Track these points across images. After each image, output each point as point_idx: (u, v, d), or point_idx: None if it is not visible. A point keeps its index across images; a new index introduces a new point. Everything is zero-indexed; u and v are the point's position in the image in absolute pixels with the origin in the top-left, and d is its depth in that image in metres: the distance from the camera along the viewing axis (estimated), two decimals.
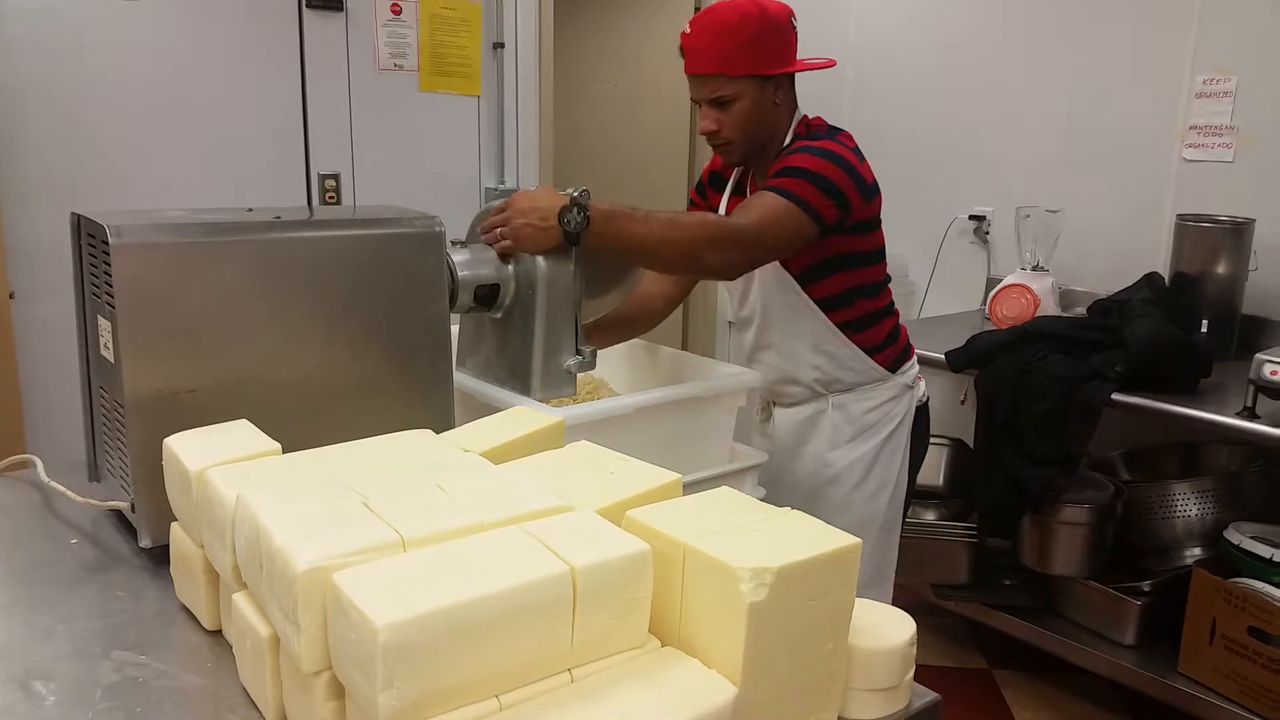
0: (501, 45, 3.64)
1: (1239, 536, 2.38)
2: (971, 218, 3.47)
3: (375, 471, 0.99)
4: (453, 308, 1.46)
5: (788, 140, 1.82)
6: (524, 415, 1.21)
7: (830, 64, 1.85)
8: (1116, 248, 3.11)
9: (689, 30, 1.75)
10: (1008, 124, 3.37)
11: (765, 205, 1.64)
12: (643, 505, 0.95)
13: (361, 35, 3.30)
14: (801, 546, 0.86)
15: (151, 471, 1.13)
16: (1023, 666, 2.84)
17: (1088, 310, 2.78)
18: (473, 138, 3.66)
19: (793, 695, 0.87)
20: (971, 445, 2.69)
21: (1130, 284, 2.82)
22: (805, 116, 1.85)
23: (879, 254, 1.88)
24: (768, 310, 1.89)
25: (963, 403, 2.73)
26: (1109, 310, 2.63)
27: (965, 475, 2.87)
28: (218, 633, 1.04)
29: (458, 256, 1.47)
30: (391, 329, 1.32)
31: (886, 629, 0.95)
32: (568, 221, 1.46)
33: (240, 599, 0.92)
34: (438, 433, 1.16)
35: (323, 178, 3.27)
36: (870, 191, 1.75)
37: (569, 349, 1.53)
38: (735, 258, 1.64)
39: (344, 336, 1.29)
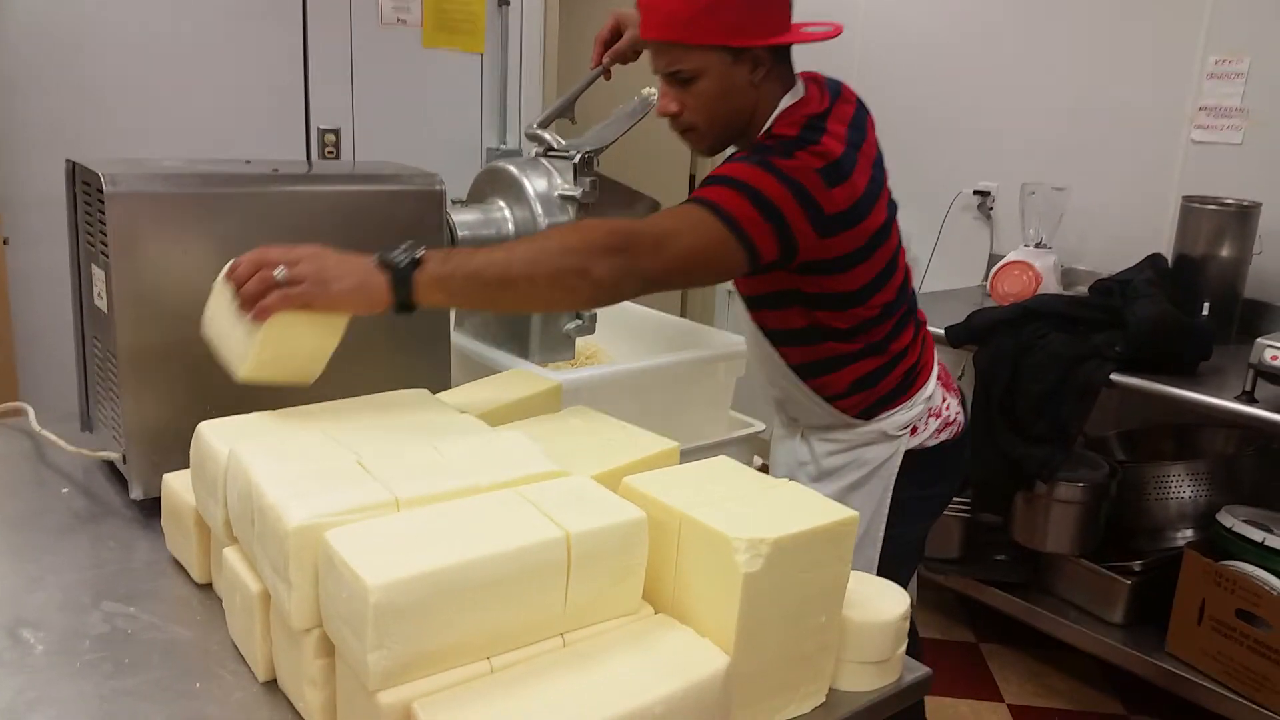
0: (506, 2, 3.59)
1: (1231, 520, 2.38)
2: (975, 193, 3.44)
3: (370, 430, 0.98)
4: None
5: (767, 128, 1.45)
6: (522, 378, 1.20)
7: (834, 33, 1.46)
8: (1120, 228, 3.09)
9: None
10: (1015, 100, 3.33)
11: (680, 213, 1.30)
12: (640, 472, 0.95)
13: None
14: (798, 518, 0.85)
15: (144, 423, 1.13)
16: (1011, 642, 2.85)
17: (1089, 290, 2.76)
18: (475, 96, 3.62)
19: (785, 666, 0.86)
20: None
21: (1133, 265, 2.81)
22: (796, 104, 1.44)
23: (860, 294, 1.46)
24: (742, 320, 1.61)
25: (959, 379, 2.72)
26: (1110, 290, 2.62)
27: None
28: (208, 586, 1.03)
29: (458, 216, 1.46)
30: None
31: (879, 602, 0.95)
32: (394, 257, 1.08)
33: (231, 553, 0.91)
34: (434, 393, 1.15)
35: (322, 132, 3.24)
36: (830, 225, 1.35)
37: (568, 312, 1.51)
38: (635, 268, 1.21)
39: None
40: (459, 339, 1.52)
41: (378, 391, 1.11)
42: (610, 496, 0.86)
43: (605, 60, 1.62)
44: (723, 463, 0.98)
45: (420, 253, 1.09)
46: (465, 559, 0.74)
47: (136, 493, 1.17)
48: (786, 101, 1.44)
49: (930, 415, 1.61)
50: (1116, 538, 2.66)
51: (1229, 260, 2.69)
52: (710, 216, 1.26)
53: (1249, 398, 2.18)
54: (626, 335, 1.88)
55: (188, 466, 1.02)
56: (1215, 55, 2.88)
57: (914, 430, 1.59)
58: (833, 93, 1.49)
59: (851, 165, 1.37)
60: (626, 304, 1.87)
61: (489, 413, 1.10)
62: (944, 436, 1.63)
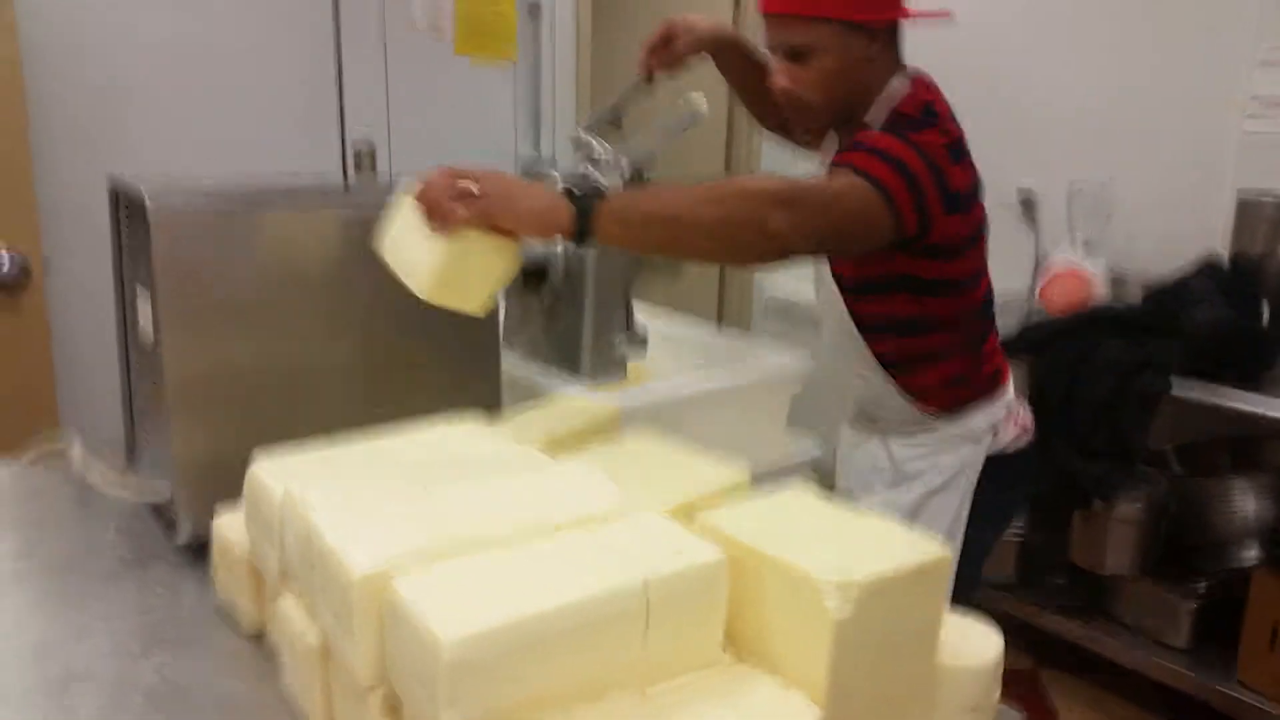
0: (538, 9, 3.56)
1: None
2: (1018, 190, 3.35)
3: (430, 465, 0.93)
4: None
5: (883, 117, 1.45)
6: (578, 405, 1.16)
7: (945, 14, 1.50)
8: (1170, 225, 2.98)
9: None
10: (1057, 94, 3.23)
11: (838, 176, 1.30)
12: (711, 504, 0.90)
13: None
14: (888, 556, 0.79)
15: (192, 460, 1.09)
16: (1071, 667, 2.76)
17: (1144, 297, 2.67)
18: (508, 105, 3.59)
19: (877, 717, 0.81)
20: None
21: (1185, 265, 2.72)
22: (912, 92, 1.46)
23: (966, 284, 1.49)
24: (827, 312, 1.60)
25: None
26: (1167, 295, 2.53)
27: None
28: (260, 636, 0.99)
29: None
30: (436, 309, 1.26)
31: (973, 644, 0.89)
32: (577, 192, 1.10)
33: (288, 603, 0.87)
34: (486, 415, 1.11)
35: (355, 144, 3.21)
36: (954, 203, 1.38)
37: (619, 330, 1.47)
38: (806, 223, 1.22)
39: (388, 314, 1.23)
40: (507, 360, 1.48)
41: (429, 413, 1.07)
42: (686, 536, 0.81)
43: (655, 66, 1.58)
44: (800, 492, 0.93)
45: (599, 192, 1.10)
46: (541, 610, 0.69)
47: (184, 536, 1.13)
48: (896, 84, 1.45)
49: (1009, 418, 1.60)
50: (1177, 556, 2.57)
51: None
52: (865, 183, 1.26)
53: None
54: (670, 352, 1.82)
55: (239, 507, 0.98)
56: (1267, 41, 2.79)
57: (995, 434, 1.58)
58: (930, 83, 1.51)
59: (967, 148, 1.42)
60: (668, 319, 1.84)
61: (548, 443, 1.05)
62: (1022, 442, 1.62)
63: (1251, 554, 2.48)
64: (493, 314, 1.29)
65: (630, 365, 1.50)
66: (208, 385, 1.13)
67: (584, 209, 1.07)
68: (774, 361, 1.63)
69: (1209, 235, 2.84)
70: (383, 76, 3.23)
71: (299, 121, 3.11)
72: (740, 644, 0.81)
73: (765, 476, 1.54)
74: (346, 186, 1.41)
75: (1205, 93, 2.90)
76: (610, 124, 1.67)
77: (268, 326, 1.16)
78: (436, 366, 1.28)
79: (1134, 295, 2.78)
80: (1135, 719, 2.60)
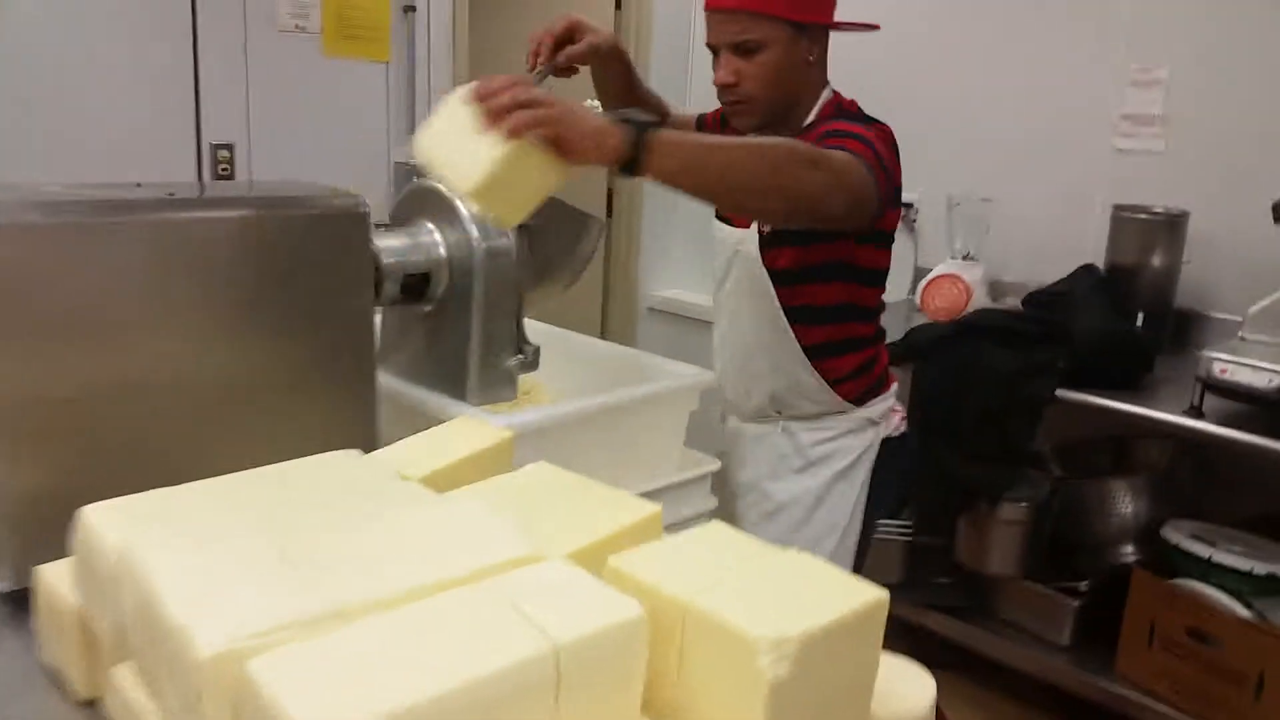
0: (413, 9, 3.40)
1: (1177, 536, 2.35)
2: None
3: (295, 510, 0.81)
4: (379, 300, 1.28)
5: (811, 118, 1.56)
6: (467, 429, 1.04)
7: (875, 27, 1.59)
8: (1047, 238, 3.06)
9: None
10: (936, 109, 3.28)
11: (834, 152, 1.32)
12: (622, 544, 0.80)
13: None
14: (824, 604, 0.71)
15: (14, 497, 0.93)
16: (955, 667, 2.77)
17: (1023, 302, 2.72)
18: (381, 107, 3.41)
19: None
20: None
21: (1063, 275, 2.77)
22: (838, 95, 1.59)
23: (885, 275, 1.65)
24: (738, 306, 1.66)
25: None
26: (1050, 303, 2.57)
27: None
28: (94, 703, 0.84)
29: (381, 241, 1.29)
30: (307, 325, 1.13)
31: (905, 689, 0.82)
32: (633, 114, 1.10)
33: (125, 674, 0.73)
34: (361, 445, 0.99)
35: (215, 149, 2.99)
36: (896, 198, 1.51)
37: (510, 347, 1.36)
38: (832, 185, 1.26)
39: (250, 334, 1.10)
40: (385, 380, 1.35)
41: (295, 447, 0.94)
42: (598, 588, 0.71)
43: (560, 60, 1.52)
44: (716, 531, 0.84)
45: (653, 125, 1.11)
46: (430, 694, 0.58)
47: (3, 583, 0.97)
48: (825, 95, 1.59)
49: (895, 406, 1.75)
50: (1059, 556, 2.61)
51: (1160, 269, 2.68)
52: (859, 162, 1.32)
53: (1197, 412, 2.15)
54: (561, 368, 1.72)
55: (68, 553, 0.84)
56: (1135, 63, 2.88)
57: (888, 419, 1.73)
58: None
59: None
60: (558, 331, 1.74)
61: (435, 475, 0.94)
62: (902, 429, 1.76)
63: (1129, 553, 2.54)
64: (367, 329, 1.17)
65: (521, 383, 1.39)
66: (35, 410, 0.97)
67: (639, 138, 1.08)
68: (669, 372, 1.54)
69: (1083, 246, 2.92)
70: (243, 78, 3.02)
71: (152, 128, 2.87)
72: (660, 707, 0.72)
73: (661, 494, 1.47)
74: (201, 192, 1.25)
75: (1080, 111, 2.98)
76: None
77: (108, 348, 1.01)
78: (304, 390, 1.14)
79: (1013, 303, 2.83)
80: (1020, 716, 2.63)
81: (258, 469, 0.87)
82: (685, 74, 3.85)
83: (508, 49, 4.37)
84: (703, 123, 1.81)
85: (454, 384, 1.34)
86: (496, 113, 1.01)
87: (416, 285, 1.33)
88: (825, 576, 0.77)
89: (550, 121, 1.02)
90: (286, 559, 0.71)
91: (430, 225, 1.36)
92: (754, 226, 1.60)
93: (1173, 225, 2.66)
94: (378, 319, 1.42)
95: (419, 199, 1.38)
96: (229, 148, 3.01)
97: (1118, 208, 2.74)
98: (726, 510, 1.68)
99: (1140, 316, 2.63)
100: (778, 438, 1.70)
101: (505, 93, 1.02)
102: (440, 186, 1.37)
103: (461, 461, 0.97)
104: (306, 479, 0.87)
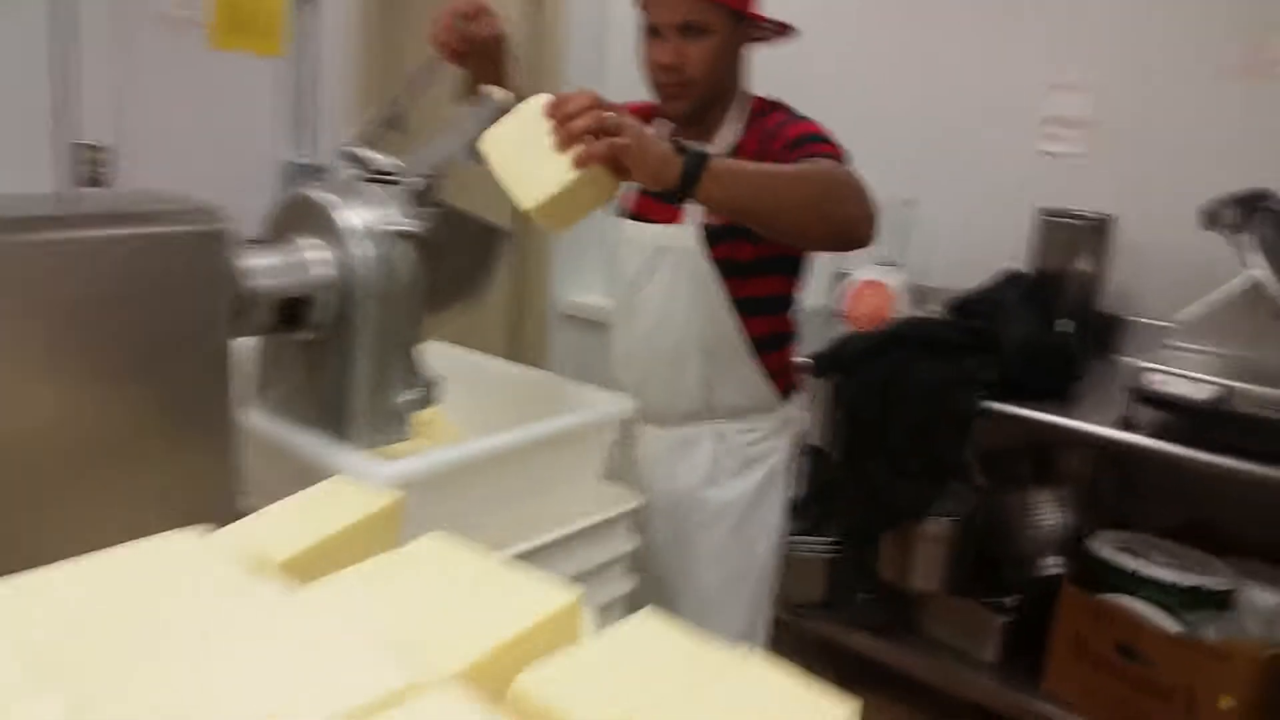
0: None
1: (1104, 548, 2.30)
2: None
3: (97, 638, 0.62)
4: (246, 329, 1.10)
5: (740, 113, 1.59)
6: (345, 494, 0.87)
7: (791, 33, 1.64)
8: (970, 242, 3.00)
9: None
10: (857, 110, 3.18)
11: (841, 168, 1.41)
12: (534, 649, 0.65)
13: None
14: None
15: None
16: (879, 688, 2.69)
17: (949, 309, 2.64)
18: (273, 105, 3.17)
19: None
20: (825, 451, 2.50)
21: (987, 280, 2.71)
22: (757, 95, 1.63)
23: (809, 269, 1.70)
24: (668, 305, 1.61)
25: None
26: (976, 310, 2.50)
27: (823, 486, 2.69)
28: None
29: (256, 260, 1.11)
30: (148, 367, 0.94)
31: (826, 715, 0.67)
32: (691, 150, 1.15)
33: None
34: (218, 512, 0.82)
35: (82, 150, 2.70)
36: None
37: (403, 380, 1.19)
38: (867, 214, 1.34)
39: (76, 379, 0.91)
40: (258, 420, 1.17)
41: (129, 523, 0.76)
42: None
43: (455, 44, 1.44)
44: (649, 628, 0.70)
45: (704, 154, 1.17)
46: None
47: None
48: (748, 90, 1.62)
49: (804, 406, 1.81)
50: (984, 570, 2.55)
51: (1086, 274, 2.64)
52: (861, 178, 1.37)
53: (1128, 423, 2.09)
54: (467, 393, 1.56)
55: None
56: (1059, 65, 2.83)
57: (800, 419, 1.78)
58: None
59: None
60: (462, 353, 1.58)
61: (298, 558, 0.77)
62: (806, 422, 1.87)
63: (1055, 565, 2.49)
64: (222, 370, 0.98)
65: (416, 419, 1.23)
66: None
67: (693, 167, 1.14)
68: (592, 403, 1.39)
69: (1006, 251, 2.85)
70: (117, 70, 2.75)
71: (7, 128, 2.58)
72: None
73: (580, 538, 1.33)
74: (57, 204, 1.06)
75: (1004, 113, 2.92)
76: (390, 127, 1.40)
77: None
78: (144, 447, 0.95)
79: (936, 310, 2.75)
80: None
81: (59, 564, 0.69)
82: (600, 60, 3.71)
83: (412, 45, 4.16)
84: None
85: (337, 424, 1.16)
86: (573, 136, 1.06)
87: (294, 311, 1.15)
88: (784, 691, 0.63)
89: (624, 152, 1.08)
90: (86, 704, 0.53)
91: (313, 241, 1.19)
92: (691, 220, 1.55)
93: (1100, 229, 2.62)
94: (253, 348, 1.24)
95: (296, 212, 1.21)
96: (99, 150, 2.73)
97: (1043, 212, 2.69)
98: (647, 533, 1.54)
99: (1066, 322, 2.58)
100: (709, 442, 1.68)
101: (583, 115, 1.06)
102: (321, 197, 1.19)
103: (336, 536, 0.80)
104: (123, 583, 0.68)
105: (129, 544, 0.71)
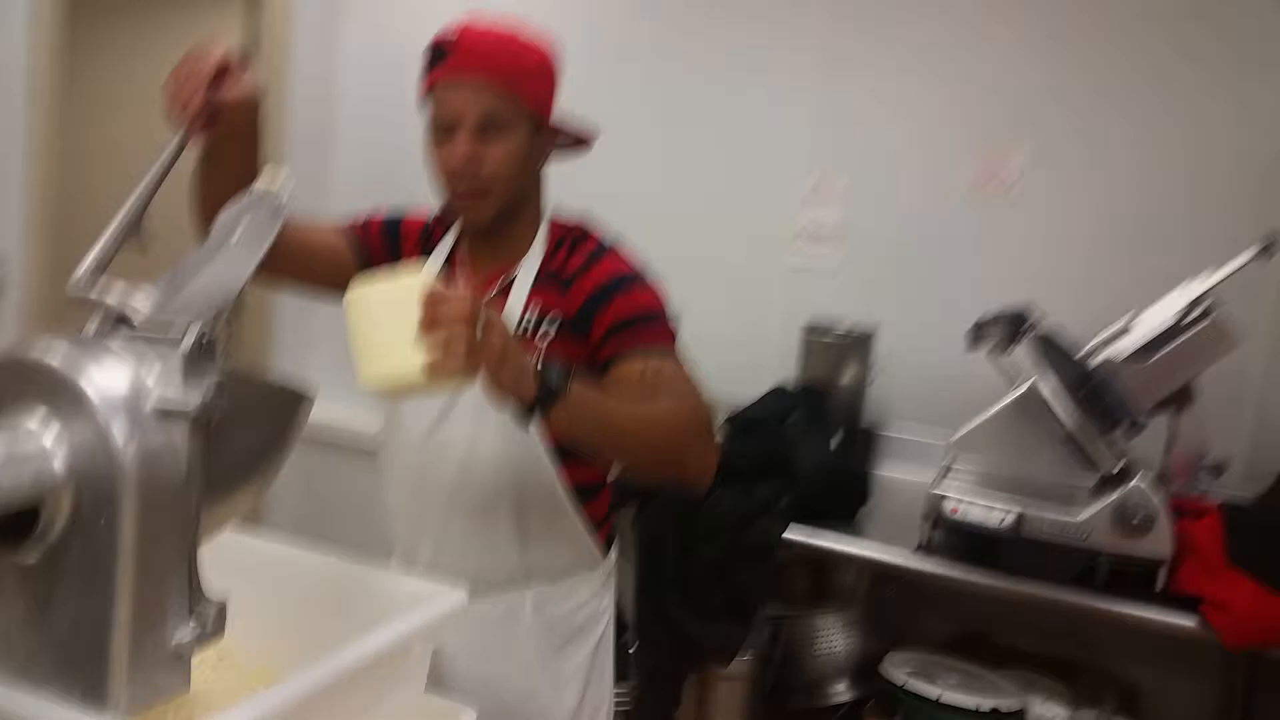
0: None
1: (899, 674, 2.26)
2: None
3: None
4: None
5: (543, 228, 1.48)
6: None
7: (589, 142, 1.55)
8: (734, 357, 2.95)
9: (461, 28, 1.37)
10: (614, 224, 3.11)
11: (685, 377, 1.33)
12: None
13: None
14: None
15: None
16: None
17: (727, 427, 2.56)
18: None
19: None
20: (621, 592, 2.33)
21: (754, 395, 2.67)
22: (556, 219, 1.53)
23: None
24: (474, 448, 1.39)
25: None
26: (758, 429, 2.43)
27: (620, 628, 2.49)
28: None
29: None
30: None
31: None
32: (550, 373, 1.10)
33: None
34: None
35: None
36: None
37: (180, 609, 0.87)
38: (704, 466, 1.29)
39: None
40: None
41: None
42: None
43: (203, 118, 1.19)
44: None
45: (566, 372, 1.12)
46: None
47: None
48: (547, 211, 1.52)
49: None
50: (779, 699, 2.45)
51: (850, 388, 2.67)
52: (684, 368, 1.35)
53: (927, 550, 2.07)
54: (246, 600, 1.22)
55: None
56: (809, 182, 2.90)
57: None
58: None
59: None
60: (228, 538, 1.24)
61: None
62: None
63: (843, 688, 2.43)
64: None
65: (199, 659, 0.90)
66: None
67: (547, 396, 1.09)
68: (413, 600, 1.11)
69: (767, 364, 2.84)
70: None
71: None
72: None
73: None
74: None
75: (759, 226, 2.95)
76: (129, 238, 1.09)
77: None
78: None
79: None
80: None
81: None
82: (326, 149, 3.42)
83: (108, 107, 3.63)
84: (398, 233, 1.47)
85: (85, 680, 0.83)
86: (439, 342, 1.00)
87: (16, 523, 0.82)
88: None
89: (483, 367, 1.02)
90: None
91: (38, 418, 0.85)
92: None
93: (863, 343, 2.66)
94: None
95: (16, 381, 0.87)
96: None
97: (806, 326, 2.70)
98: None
99: (837, 436, 2.58)
100: (528, 616, 1.46)
101: (456, 322, 1.00)
102: (53, 360, 0.87)
103: None
104: None
105: None
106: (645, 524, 2.18)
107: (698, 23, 3.00)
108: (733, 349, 2.90)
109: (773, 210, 2.95)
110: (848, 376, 2.65)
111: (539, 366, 1.10)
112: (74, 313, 0.96)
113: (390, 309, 1.05)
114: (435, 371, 1.01)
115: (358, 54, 3.47)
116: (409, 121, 3.47)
